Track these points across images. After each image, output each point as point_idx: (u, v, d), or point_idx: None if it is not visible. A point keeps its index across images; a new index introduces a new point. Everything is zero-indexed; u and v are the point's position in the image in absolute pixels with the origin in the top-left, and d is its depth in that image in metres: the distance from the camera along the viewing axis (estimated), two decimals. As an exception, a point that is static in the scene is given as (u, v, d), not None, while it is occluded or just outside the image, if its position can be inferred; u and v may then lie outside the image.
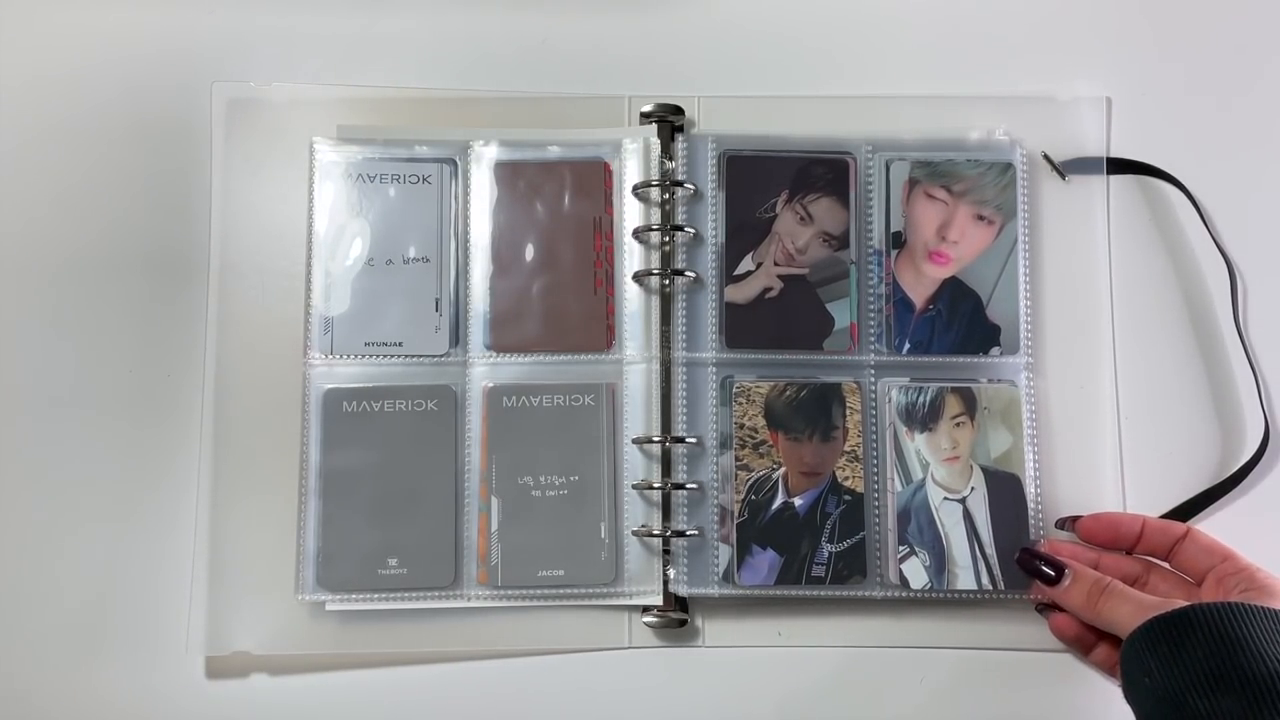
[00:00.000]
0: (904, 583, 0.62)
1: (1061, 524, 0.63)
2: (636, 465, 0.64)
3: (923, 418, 0.64)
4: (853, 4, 0.70)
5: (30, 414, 0.65)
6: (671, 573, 0.63)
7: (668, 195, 0.66)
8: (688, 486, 0.63)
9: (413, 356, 0.65)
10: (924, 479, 0.63)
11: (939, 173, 0.66)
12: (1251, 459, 0.65)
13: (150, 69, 0.68)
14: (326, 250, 0.65)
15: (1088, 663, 0.61)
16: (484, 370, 0.65)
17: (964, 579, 0.62)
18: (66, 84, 0.68)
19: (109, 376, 0.65)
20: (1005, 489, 0.63)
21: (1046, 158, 0.68)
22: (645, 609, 0.64)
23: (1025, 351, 0.65)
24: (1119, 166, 0.68)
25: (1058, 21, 0.70)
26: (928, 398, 0.64)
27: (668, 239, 0.65)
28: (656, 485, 0.63)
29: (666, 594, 0.63)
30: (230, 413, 0.64)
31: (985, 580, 0.62)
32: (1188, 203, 0.67)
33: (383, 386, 0.64)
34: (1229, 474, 0.65)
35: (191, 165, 0.67)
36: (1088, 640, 0.60)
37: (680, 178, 0.66)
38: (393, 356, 0.65)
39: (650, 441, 0.64)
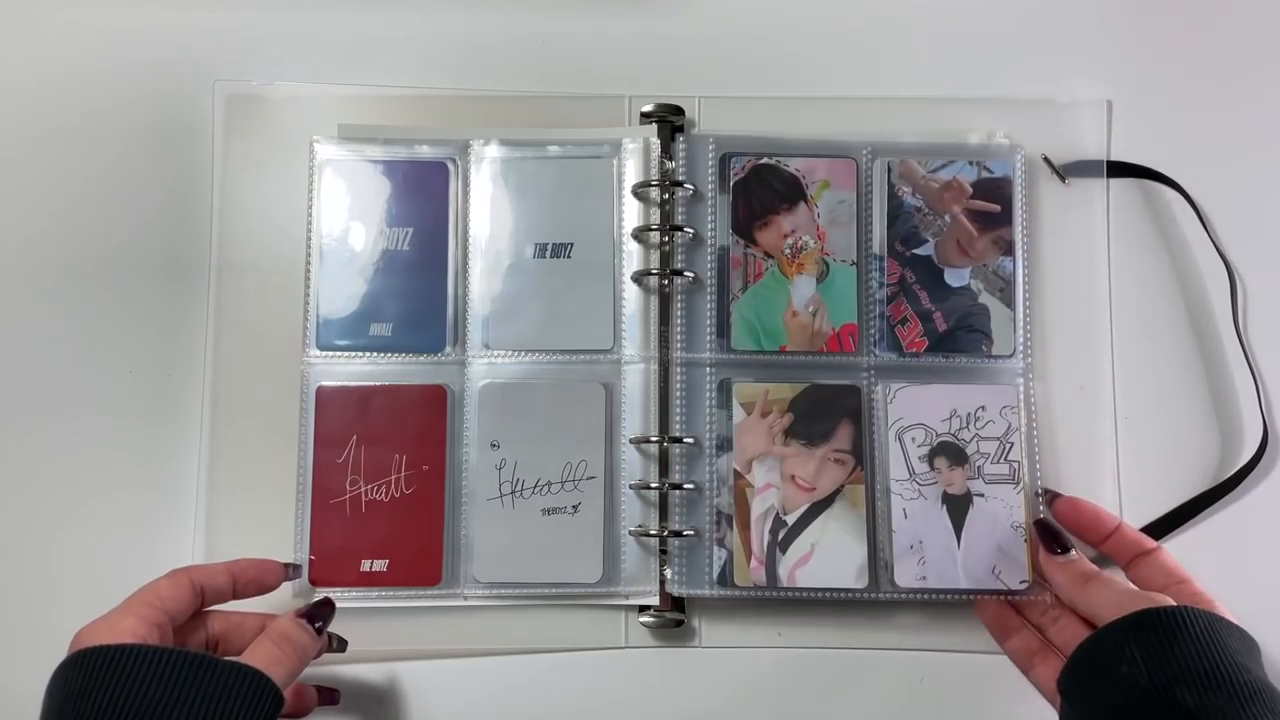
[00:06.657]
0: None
1: (1046, 496, 0.63)
2: (634, 465, 0.64)
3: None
4: (853, 5, 0.70)
5: (30, 414, 0.65)
6: (668, 573, 0.63)
7: (667, 195, 0.66)
8: (685, 487, 0.63)
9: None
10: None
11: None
12: (1250, 462, 0.65)
13: (151, 68, 0.68)
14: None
15: (1031, 680, 0.59)
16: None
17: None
18: (67, 84, 0.68)
19: (109, 376, 0.66)
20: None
21: (1046, 160, 0.68)
22: (642, 609, 0.64)
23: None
24: (1119, 170, 0.68)
25: (1058, 24, 0.70)
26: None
27: (667, 239, 0.65)
28: (654, 485, 0.63)
29: (663, 594, 0.63)
30: (229, 412, 0.65)
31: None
32: (1188, 206, 0.67)
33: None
34: (1227, 477, 0.65)
35: (192, 164, 0.67)
36: (1031, 648, 0.59)
37: (680, 178, 0.66)
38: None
39: (648, 441, 0.64)
